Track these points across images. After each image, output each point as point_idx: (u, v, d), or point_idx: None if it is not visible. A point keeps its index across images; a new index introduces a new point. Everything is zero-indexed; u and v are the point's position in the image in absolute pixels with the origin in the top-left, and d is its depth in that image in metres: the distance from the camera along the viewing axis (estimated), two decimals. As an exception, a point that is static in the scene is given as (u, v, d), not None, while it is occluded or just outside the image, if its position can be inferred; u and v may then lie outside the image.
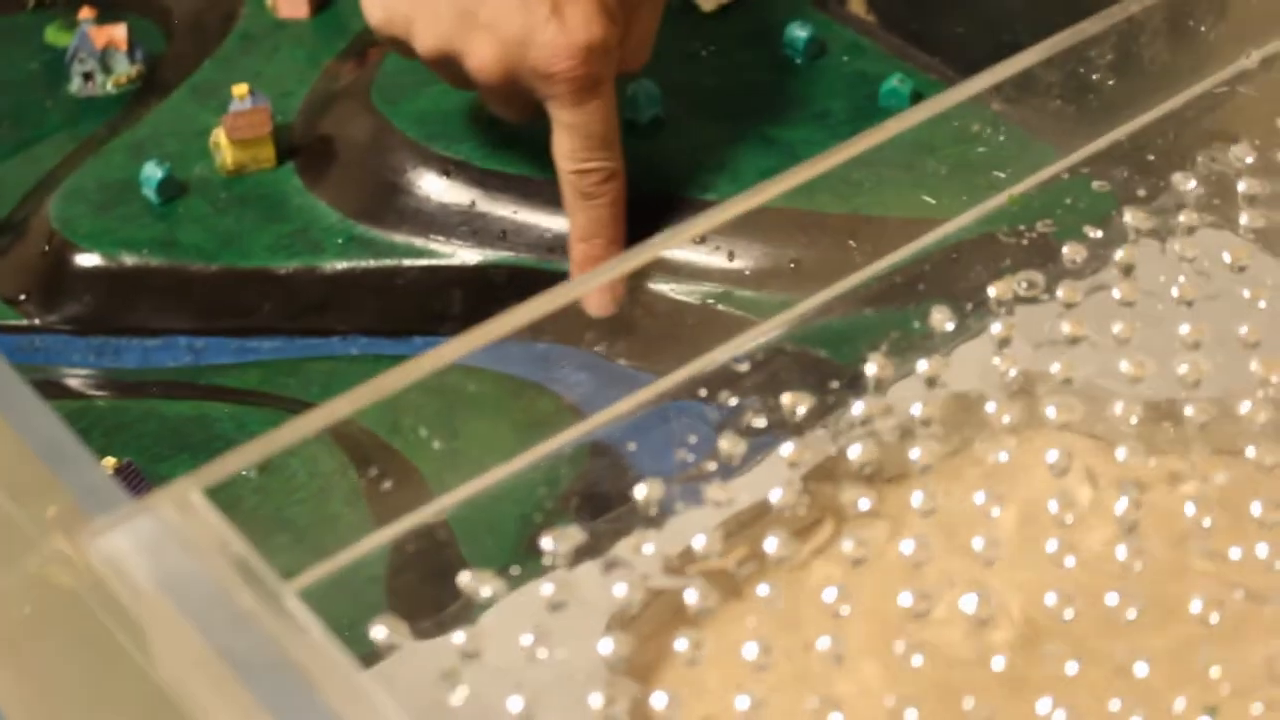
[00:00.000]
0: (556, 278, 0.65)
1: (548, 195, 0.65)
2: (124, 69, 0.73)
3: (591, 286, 0.49)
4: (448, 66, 0.61)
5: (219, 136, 0.67)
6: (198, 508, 0.40)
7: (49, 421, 0.43)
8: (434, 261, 0.65)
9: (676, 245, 0.61)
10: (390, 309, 0.65)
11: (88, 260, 0.65)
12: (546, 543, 0.44)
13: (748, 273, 0.63)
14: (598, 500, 0.49)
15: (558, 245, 0.65)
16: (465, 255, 0.65)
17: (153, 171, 0.66)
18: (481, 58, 0.59)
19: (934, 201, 0.62)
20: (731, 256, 0.63)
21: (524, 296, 0.65)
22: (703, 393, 0.48)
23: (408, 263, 0.65)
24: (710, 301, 0.63)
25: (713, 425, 0.48)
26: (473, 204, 0.65)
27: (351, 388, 0.62)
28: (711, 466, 0.46)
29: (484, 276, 0.65)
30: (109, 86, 0.73)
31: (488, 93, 0.61)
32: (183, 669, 0.39)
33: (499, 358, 0.53)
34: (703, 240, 0.62)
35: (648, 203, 0.65)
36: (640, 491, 0.46)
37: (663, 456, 0.48)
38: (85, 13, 0.73)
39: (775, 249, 0.63)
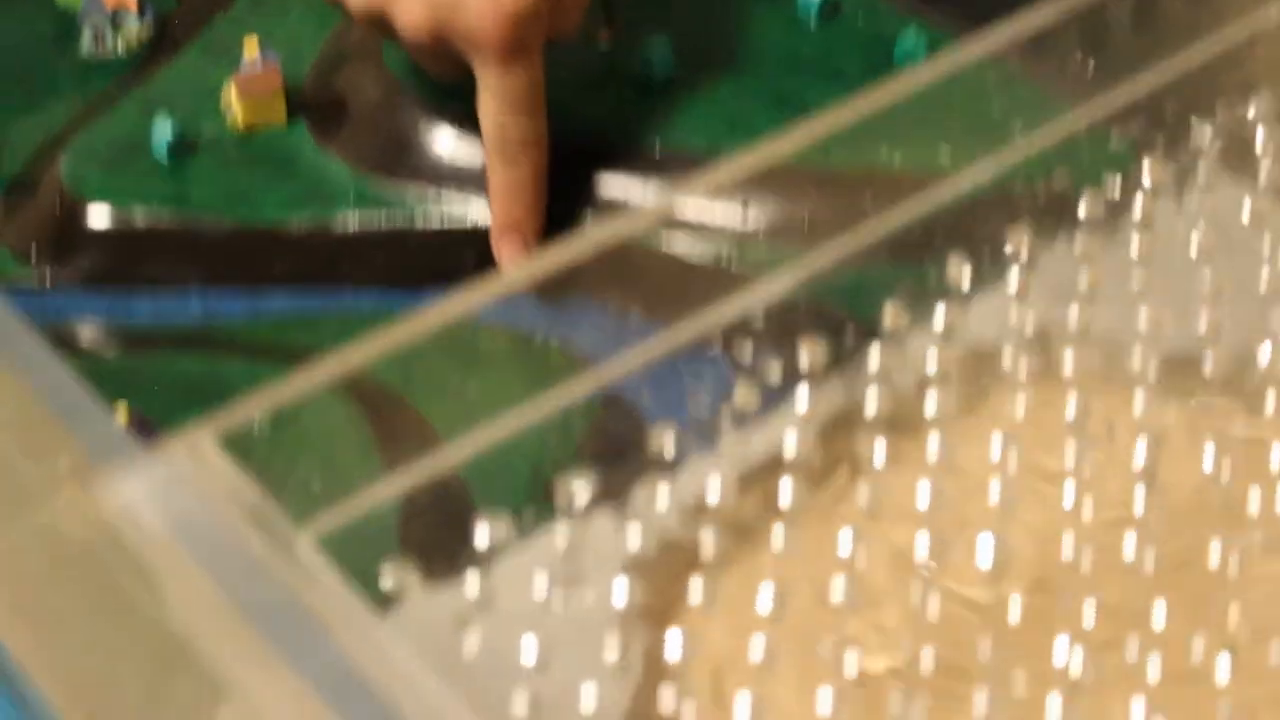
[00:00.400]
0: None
1: (559, 153, 0.64)
2: (134, 29, 0.72)
3: (608, 235, 0.49)
4: (378, 24, 0.61)
5: (230, 94, 0.67)
6: (210, 455, 0.40)
7: (60, 374, 0.43)
8: (447, 217, 0.65)
9: (689, 199, 0.61)
10: (403, 265, 0.65)
11: (99, 217, 0.65)
12: (560, 490, 0.44)
13: (761, 230, 0.63)
14: (611, 450, 0.49)
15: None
16: (477, 213, 0.64)
17: (163, 129, 0.66)
18: (411, 17, 0.59)
19: (949, 157, 0.62)
20: (744, 213, 0.63)
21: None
22: (717, 344, 0.48)
23: (420, 219, 0.65)
24: (722, 257, 0.63)
25: (727, 376, 0.48)
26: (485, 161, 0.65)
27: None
28: (726, 417, 0.46)
29: (496, 234, 0.64)
30: (119, 46, 0.72)
31: (416, 51, 0.62)
32: (196, 616, 0.39)
33: (509, 311, 0.53)
34: (715, 197, 0.62)
35: (661, 162, 0.65)
36: (654, 441, 0.46)
37: (676, 407, 0.48)
38: (96, -28, 0.72)
39: (789, 205, 0.62)
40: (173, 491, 0.39)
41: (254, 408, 0.41)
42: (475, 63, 0.61)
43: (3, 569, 0.57)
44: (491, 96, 0.61)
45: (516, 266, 0.60)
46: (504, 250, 0.62)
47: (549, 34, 0.62)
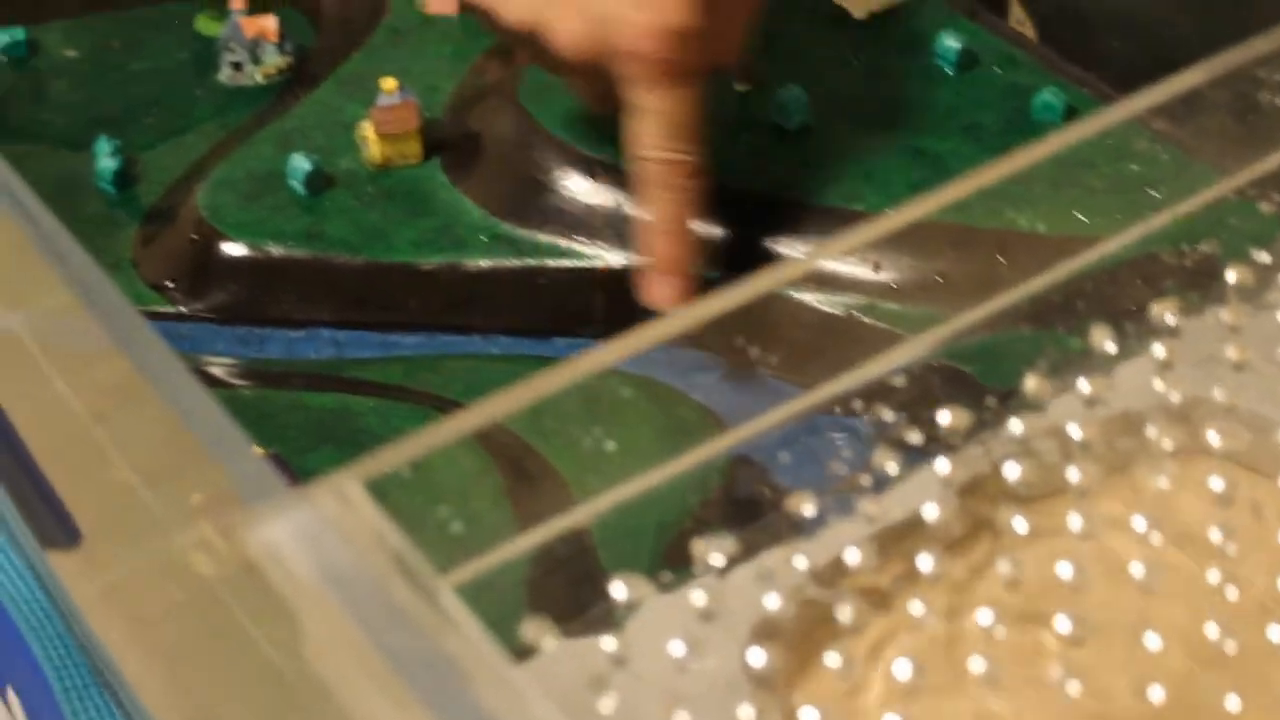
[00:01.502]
0: (702, 282, 0.65)
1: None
2: (273, 60, 0.74)
3: (750, 292, 0.49)
4: (533, 42, 0.60)
5: (366, 130, 0.68)
6: (356, 501, 0.40)
7: (210, 407, 0.44)
8: (578, 262, 0.65)
9: (825, 258, 0.61)
10: (532, 308, 0.65)
11: (234, 249, 0.66)
12: (697, 549, 0.44)
13: (894, 285, 0.63)
14: (746, 510, 0.49)
15: (702, 249, 0.65)
16: (609, 257, 0.65)
17: (300, 163, 0.67)
18: (568, 32, 0.58)
19: (1088, 219, 0.61)
20: (877, 268, 0.62)
21: (667, 301, 0.66)
22: (856, 406, 0.48)
23: (551, 262, 0.65)
24: (855, 313, 0.63)
25: (865, 439, 0.47)
26: (618, 206, 0.65)
27: (493, 387, 0.63)
28: (865, 480, 0.46)
29: (627, 279, 0.65)
30: (258, 77, 0.74)
31: (571, 72, 0.61)
32: (336, 659, 0.40)
33: (639, 361, 0.53)
34: (854, 254, 0.62)
35: (793, 210, 0.65)
36: (791, 503, 0.45)
37: (812, 469, 0.48)
38: (236, 3, 0.74)
39: (922, 262, 0.62)
40: (319, 534, 0.40)
41: (398, 455, 0.42)
42: (632, 84, 0.59)
43: (125, 598, 0.58)
44: (649, 120, 0.59)
45: (672, 310, 0.58)
46: (661, 293, 0.60)
47: (710, 61, 0.60)
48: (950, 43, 0.69)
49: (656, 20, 0.57)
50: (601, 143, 0.66)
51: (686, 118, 0.59)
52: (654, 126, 0.59)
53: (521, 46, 0.61)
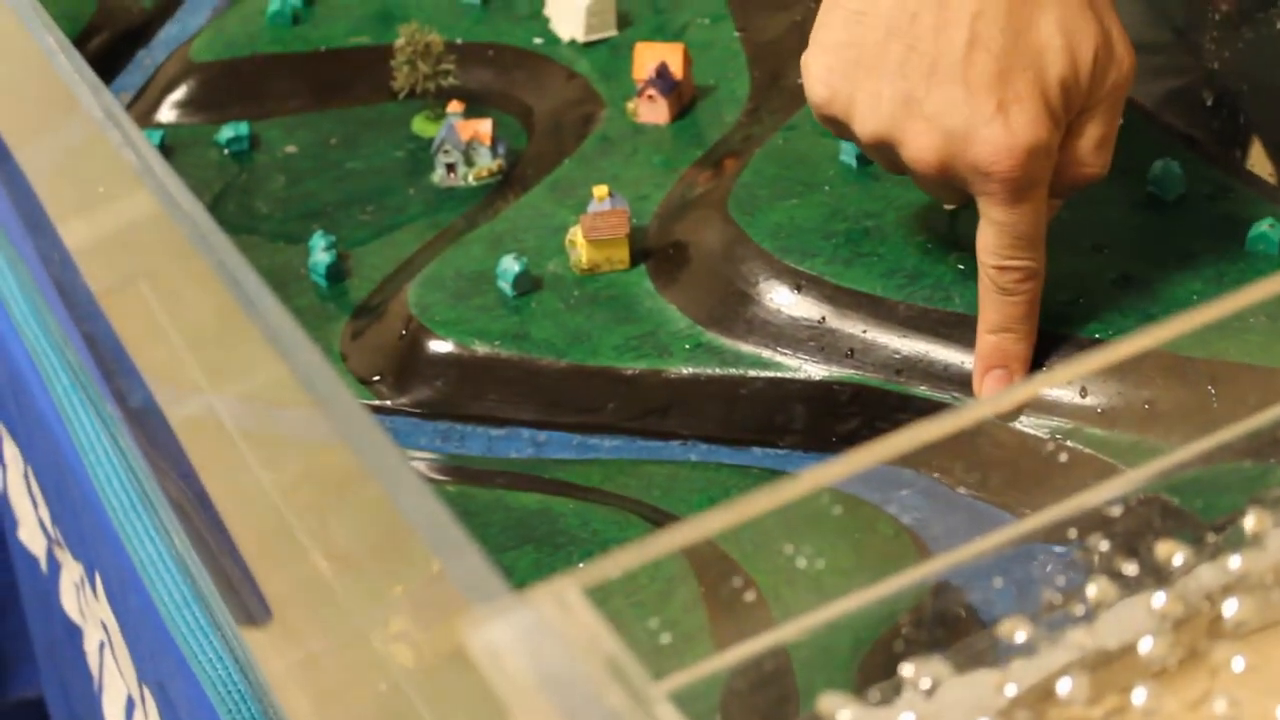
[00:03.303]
0: (902, 400, 0.65)
1: (899, 316, 0.65)
2: (486, 162, 0.75)
3: (967, 418, 0.49)
4: (883, 151, 0.61)
5: (576, 235, 0.69)
6: (575, 607, 0.41)
7: (432, 506, 0.45)
8: (779, 374, 0.65)
9: (1041, 388, 0.61)
10: (732, 417, 0.66)
11: (441, 347, 0.67)
12: (906, 670, 0.44)
13: (1100, 410, 0.62)
14: (952, 634, 0.49)
15: (905, 367, 0.65)
16: (811, 370, 0.65)
17: (510, 265, 0.68)
18: (920, 148, 0.59)
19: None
20: (1084, 393, 0.62)
21: (867, 417, 0.66)
22: (1070, 534, 0.48)
23: (753, 373, 0.66)
24: (1058, 437, 0.62)
25: (1079, 568, 0.47)
26: (822, 319, 0.66)
27: (690, 493, 0.64)
28: (1077, 609, 0.46)
29: (828, 393, 0.65)
30: (470, 178, 0.76)
31: (920, 180, 0.62)
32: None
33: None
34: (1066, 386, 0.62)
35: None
36: (1002, 628, 0.45)
37: (1023, 594, 0.48)
38: (454, 106, 0.76)
39: (1130, 389, 0.62)
40: (538, 638, 0.40)
41: (616, 564, 0.42)
42: (981, 196, 0.61)
43: (316, 677, 0.59)
44: (995, 230, 0.61)
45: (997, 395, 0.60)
46: (990, 387, 0.63)
47: (1071, 176, 0.61)
48: (1168, 169, 0.69)
49: (1013, 140, 0.58)
50: (807, 256, 0.67)
51: (1032, 226, 0.61)
52: (999, 236, 0.61)
53: (871, 153, 0.63)
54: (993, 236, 0.61)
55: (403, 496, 0.45)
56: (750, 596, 0.57)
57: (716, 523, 0.44)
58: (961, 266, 0.66)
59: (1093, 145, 0.62)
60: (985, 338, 0.63)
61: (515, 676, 0.40)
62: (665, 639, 0.52)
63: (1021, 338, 0.63)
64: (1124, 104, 0.62)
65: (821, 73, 0.60)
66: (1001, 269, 0.62)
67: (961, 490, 0.61)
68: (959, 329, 0.65)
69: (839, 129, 0.62)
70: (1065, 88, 0.59)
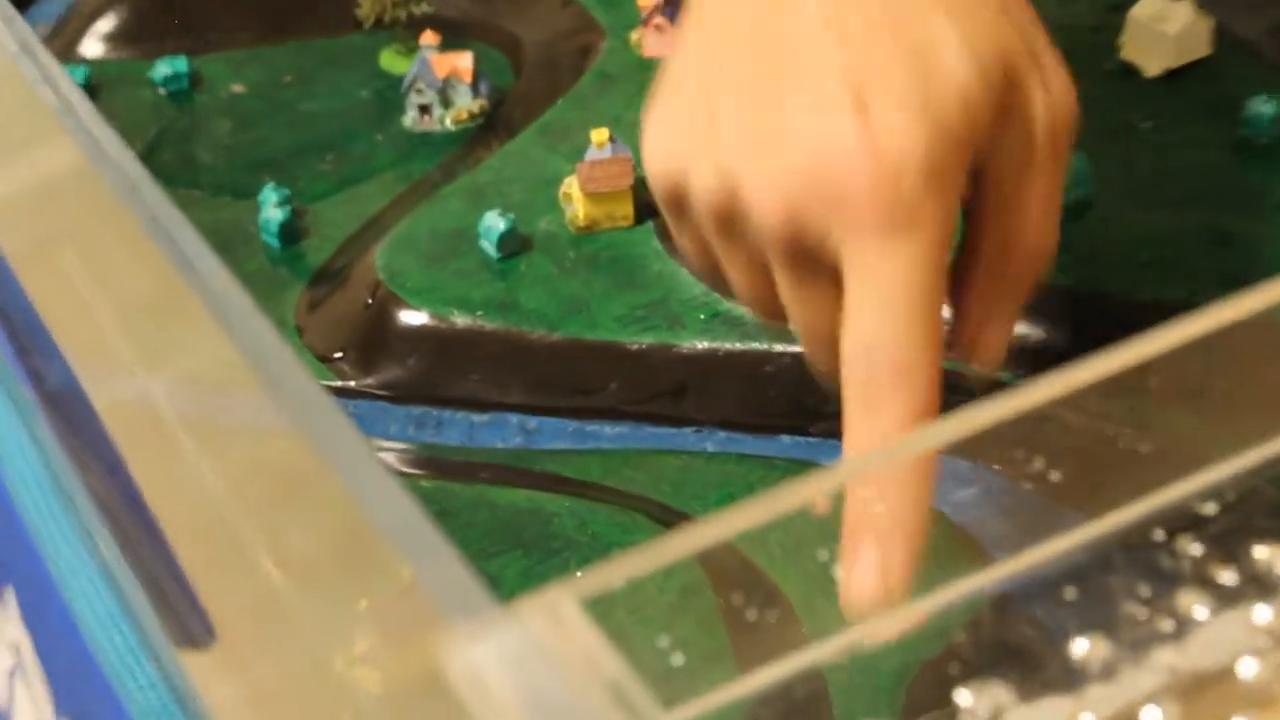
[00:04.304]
0: (948, 376, 0.64)
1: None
2: (466, 103, 0.75)
3: (1026, 401, 0.48)
4: (727, 228, 0.50)
5: (571, 187, 0.68)
6: (571, 623, 0.40)
7: (398, 500, 0.44)
8: (811, 348, 0.65)
9: (1117, 365, 0.60)
10: (754, 400, 0.65)
11: (414, 318, 0.66)
12: (962, 698, 0.43)
13: (1188, 390, 0.61)
14: (1017, 655, 0.48)
15: (952, 341, 0.64)
16: (850, 345, 0.65)
17: (494, 223, 0.67)
18: (763, 195, 0.48)
19: None
20: (1169, 370, 0.61)
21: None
22: (1156, 537, 0.47)
23: (779, 348, 0.65)
24: (1139, 423, 0.61)
25: (1166, 576, 0.46)
26: (861, 286, 0.65)
27: (706, 489, 0.63)
28: (1165, 625, 0.45)
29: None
30: (448, 122, 0.75)
31: (776, 259, 0.50)
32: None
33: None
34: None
35: (1068, 300, 0.64)
36: (1075, 647, 0.45)
37: (1099, 608, 0.47)
38: (427, 38, 0.75)
39: (1225, 365, 0.61)
40: (528, 659, 0.40)
41: (618, 572, 0.42)
42: (844, 249, 0.47)
43: (265, 706, 0.58)
44: (858, 293, 0.47)
45: (865, 593, 0.47)
46: (854, 574, 0.48)
47: (1018, 259, 0.51)
48: (1263, 107, 0.68)
49: (867, 142, 0.47)
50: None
51: (908, 292, 0.47)
52: (862, 300, 0.47)
53: (722, 253, 0.52)
54: (855, 305, 0.47)
55: (369, 494, 0.44)
56: (777, 611, 0.56)
57: (737, 523, 0.44)
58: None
59: (1038, 210, 0.50)
60: (859, 501, 0.48)
61: (500, 704, 0.39)
62: (677, 660, 0.51)
63: (900, 481, 0.47)
64: (1069, 159, 0.52)
65: (654, 146, 0.52)
66: (869, 360, 0.48)
67: (1026, 485, 0.60)
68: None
69: (679, 214, 0.52)
70: (963, 96, 0.47)
